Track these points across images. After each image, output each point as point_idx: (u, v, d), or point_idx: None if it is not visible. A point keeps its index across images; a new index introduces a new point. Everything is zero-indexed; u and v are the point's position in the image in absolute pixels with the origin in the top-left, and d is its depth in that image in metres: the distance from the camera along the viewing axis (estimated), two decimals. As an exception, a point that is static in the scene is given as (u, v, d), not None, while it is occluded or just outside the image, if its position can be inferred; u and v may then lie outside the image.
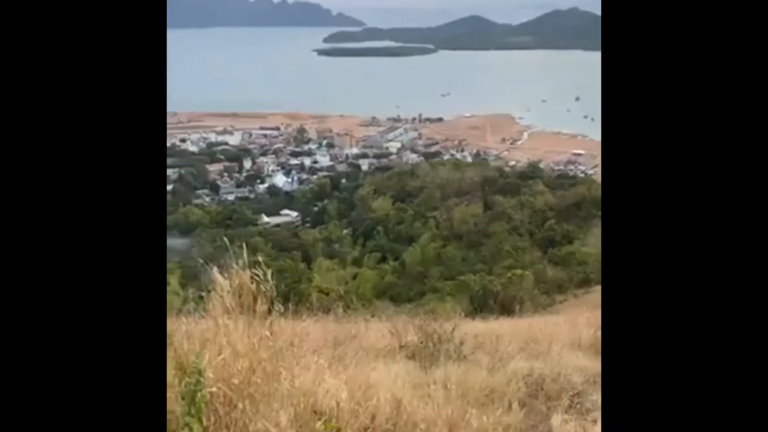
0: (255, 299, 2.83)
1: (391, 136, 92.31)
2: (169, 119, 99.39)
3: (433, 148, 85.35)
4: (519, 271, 21.82)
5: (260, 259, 3.07)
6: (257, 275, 2.87)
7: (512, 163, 74.17)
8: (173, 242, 43.12)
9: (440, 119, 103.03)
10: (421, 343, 5.17)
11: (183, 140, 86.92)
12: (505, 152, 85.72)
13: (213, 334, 2.68)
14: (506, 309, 14.74)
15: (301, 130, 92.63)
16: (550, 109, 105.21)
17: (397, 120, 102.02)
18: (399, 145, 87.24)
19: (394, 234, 48.58)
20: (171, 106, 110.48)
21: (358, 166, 76.62)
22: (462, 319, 7.64)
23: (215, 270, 2.89)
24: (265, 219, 58.33)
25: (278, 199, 65.94)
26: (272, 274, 2.93)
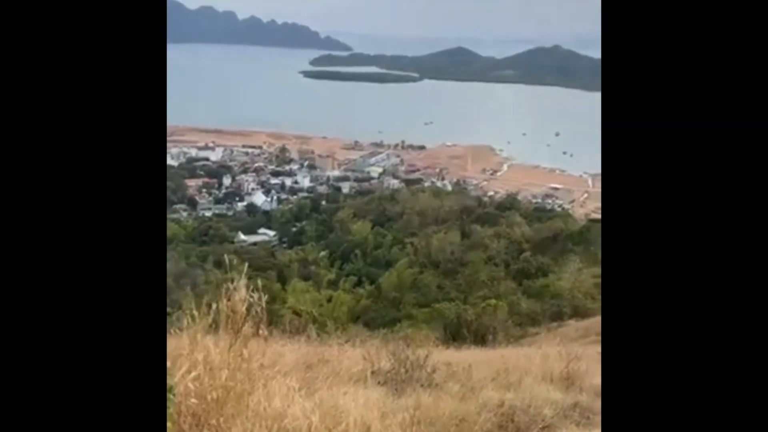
0: (242, 319, 2.82)
1: (373, 160, 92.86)
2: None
3: (415, 175, 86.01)
4: (493, 302, 21.87)
5: (257, 283, 3.06)
6: (251, 296, 2.87)
7: (491, 193, 75.07)
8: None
9: (422, 147, 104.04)
10: (394, 369, 5.16)
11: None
12: (485, 182, 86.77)
13: (189, 351, 2.65)
14: (479, 338, 14.77)
15: (283, 150, 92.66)
16: (530, 142, 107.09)
17: (380, 145, 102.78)
18: (381, 170, 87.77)
19: (371, 258, 48.49)
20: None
21: (339, 189, 76.76)
22: (435, 347, 7.65)
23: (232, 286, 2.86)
24: (242, 237, 57.84)
25: (256, 218, 65.49)
26: (259, 296, 2.94)
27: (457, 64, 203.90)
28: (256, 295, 2.98)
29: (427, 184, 78.16)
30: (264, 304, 3.01)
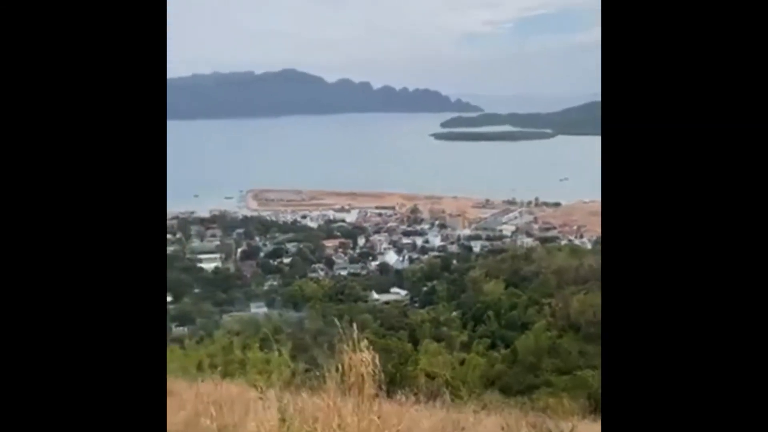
0: (363, 381, 2.80)
1: (505, 218, 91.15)
2: (293, 196, 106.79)
3: (550, 233, 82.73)
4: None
5: (366, 340, 3.06)
6: (365, 358, 2.86)
7: (636, 252, 69.54)
8: (288, 314, 44.67)
9: (557, 204, 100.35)
10: (535, 442, 4.78)
11: (304, 216, 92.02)
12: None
13: (325, 415, 2.65)
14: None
15: (415, 210, 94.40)
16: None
17: (512, 203, 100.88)
18: (513, 228, 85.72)
19: (505, 320, 46.70)
20: (297, 184, 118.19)
21: (470, 248, 75.90)
22: (580, 419, 7.00)
23: (360, 346, 2.88)
24: (375, 296, 58.89)
25: (389, 277, 66.56)
26: (378, 355, 2.90)
27: (592, 119, 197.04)
28: (375, 356, 2.93)
29: (563, 242, 74.72)
30: (378, 363, 2.94)
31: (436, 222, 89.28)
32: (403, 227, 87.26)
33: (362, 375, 2.81)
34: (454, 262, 68.43)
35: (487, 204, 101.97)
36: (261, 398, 3.38)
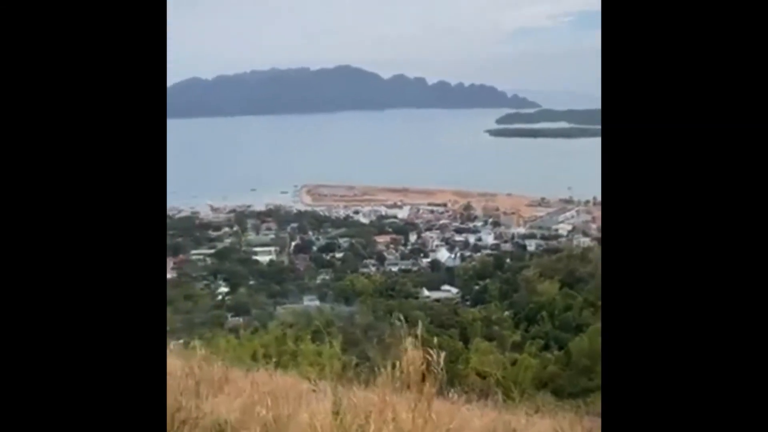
0: (423, 378, 2.78)
1: (561, 217, 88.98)
2: (345, 192, 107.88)
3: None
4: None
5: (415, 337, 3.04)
6: (429, 354, 2.84)
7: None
8: (339, 308, 45.22)
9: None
10: (591, 448, 4.63)
11: (356, 212, 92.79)
12: (692, 242, 77.38)
13: (379, 409, 2.65)
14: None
15: (468, 207, 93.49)
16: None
17: (569, 201, 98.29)
18: (570, 227, 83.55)
19: (559, 321, 45.61)
20: (350, 179, 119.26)
21: (524, 247, 74.55)
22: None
23: (407, 341, 2.88)
24: (426, 293, 58.78)
25: (440, 275, 66.26)
26: (442, 355, 2.87)
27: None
28: (439, 354, 2.92)
29: (622, 243, 72.13)
30: (441, 361, 2.92)
31: (490, 220, 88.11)
32: (456, 224, 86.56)
33: (422, 372, 2.79)
34: (508, 260, 67.40)
35: (542, 202, 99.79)
36: (314, 390, 3.44)
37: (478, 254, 72.39)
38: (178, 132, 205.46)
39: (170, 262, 65.44)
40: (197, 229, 79.44)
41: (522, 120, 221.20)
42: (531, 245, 75.09)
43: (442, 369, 2.82)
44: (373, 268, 67.62)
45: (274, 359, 7.59)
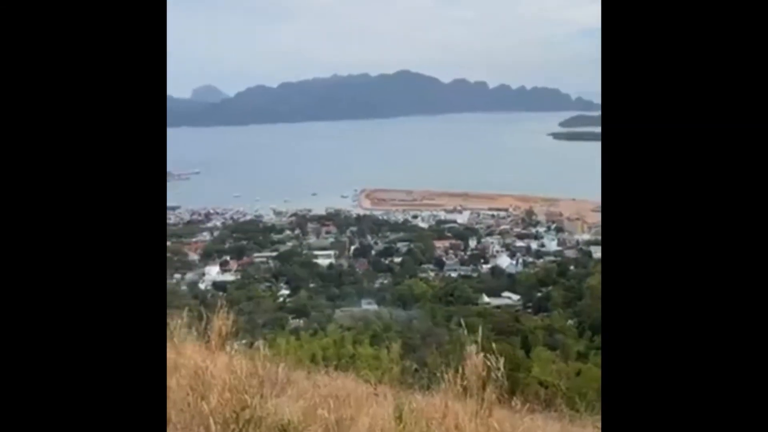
0: (484, 386, 2.72)
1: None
2: (404, 196, 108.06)
3: (679, 241, 76.41)
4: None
5: (479, 340, 2.98)
6: (490, 360, 2.78)
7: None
8: (397, 312, 45.25)
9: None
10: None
11: (415, 216, 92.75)
12: None
13: (441, 415, 2.62)
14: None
15: (530, 213, 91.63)
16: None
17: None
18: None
19: (626, 331, 43.79)
20: (410, 184, 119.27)
21: (589, 254, 72.16)
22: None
23: (471, 349, 2.84)
24: (486, 299, 57.94)
25: (500, 281, 65.16)
26: (501, 361, 2.81)
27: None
28: (499, 360, 2.86)
29: (694, 251, 68.63)
30: (503, 368, 2.85)
31: (553, 225, 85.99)
32: (517, 230, 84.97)
33: (483, 379, 2.74)
34: (572, 267, 65.50)
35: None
36: (375, 394, 3.44)
37: (541, 261, 70.76)
38: (243, 138, 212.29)
39: (234, 265, 67.68)
40: (260, 232, 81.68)
41: (587, 123, 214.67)
42: (596, 252, 72.59)
43: (502, 376, 2.76)
44: (432, 273, 67.31)
45: (333, 362, 7.66)
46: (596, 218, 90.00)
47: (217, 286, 57.59)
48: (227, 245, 75.60)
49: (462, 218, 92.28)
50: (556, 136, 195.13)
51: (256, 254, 71.16)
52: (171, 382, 3.44)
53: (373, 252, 73.84)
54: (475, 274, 68.91)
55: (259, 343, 4.67)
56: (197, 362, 3.65)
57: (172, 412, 3.23)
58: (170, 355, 3.87)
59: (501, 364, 2.80)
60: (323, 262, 67.48)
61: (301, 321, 43.72)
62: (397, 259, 70.19)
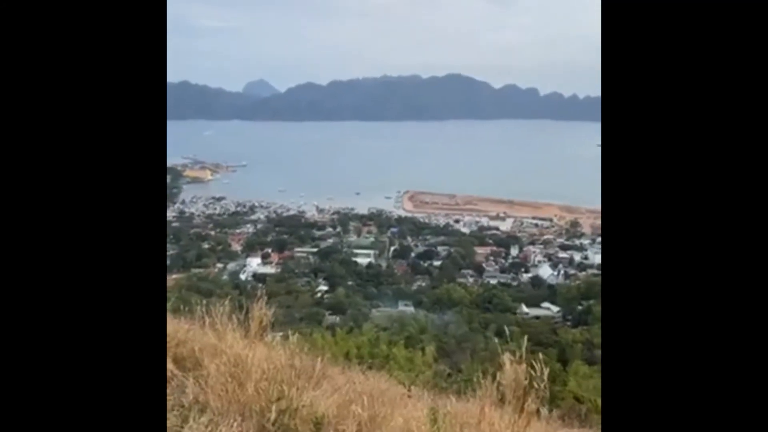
0: (524, 395, 2.68)
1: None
2: (447, 201, 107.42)
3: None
4: None
5: (522, 349, 2.94)
6: (533, 369, 2.74)
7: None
8: (433, 316, 45.04)
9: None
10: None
11: (457, 221, 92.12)
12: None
13: (476, 421, 2.60)
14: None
15: (575, 224, 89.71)
16: None
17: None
18: (687, 252, 77.49)
19: (669, 352, 42.36)
20: (455, 188, 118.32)
21: (634, 270, 70.05)
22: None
23: (505, 356, 2.82)
24: (524, 309, 57.02)
25: (540, 291, 64.00)
26: (546, 371, 2.76)
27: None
28: (537, 372, 2.82)
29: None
30: (546, 378, 2.81)
31: (598, 238, 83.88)
32: (561, 240, 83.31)
33: (524, 388, 2.70)
34: (615, 282, 63.62)
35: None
36: (409, 395, 3.43)
37: (583, 273, 69.11)
38: (291, 133, 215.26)
39: (275, 258, 68.78)
40: (302, 227, 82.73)
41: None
42: (642, 268, 70.37)
43: (545, 387, 2.71)
44: (471, 279, 66.72)
45: (367, 360, 7.68)
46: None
47: (258, 277, 58.63)
48: (269, 238, 76.91)
49: (505, 225, 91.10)
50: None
51: (297, 249, 72.12)
52: (212, 367, 3.53)
53: (412, 254, 73.72)
54: (514, 283, 67.90)
55: (295, 336, 4.73)
56: (237, 350, 3.74)
57: (210, 397, 3.31)
58: (213, 341, 3.97)
59: (545, 375, 2.75)
60: (362, 261, 67.81)
61: (338, 318, 44.01)
62: (437, 263, 69.85)
